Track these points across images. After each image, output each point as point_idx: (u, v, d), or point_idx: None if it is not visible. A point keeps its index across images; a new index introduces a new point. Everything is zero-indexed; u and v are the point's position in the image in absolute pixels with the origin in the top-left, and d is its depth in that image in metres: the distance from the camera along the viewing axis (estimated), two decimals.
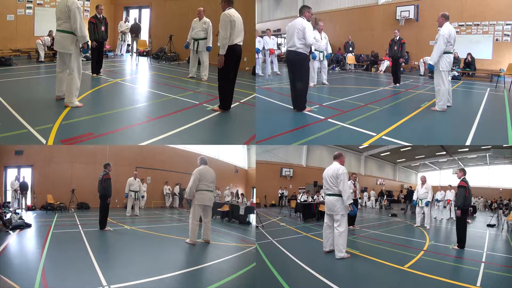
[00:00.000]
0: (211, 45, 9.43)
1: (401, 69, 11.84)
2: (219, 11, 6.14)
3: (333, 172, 4.84)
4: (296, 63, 6.30)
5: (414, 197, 9.20)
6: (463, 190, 5.84)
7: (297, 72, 6.39)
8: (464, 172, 6.09)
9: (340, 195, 4.79)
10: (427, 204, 8.78)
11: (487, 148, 17.94)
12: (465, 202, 5.87)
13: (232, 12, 5.90)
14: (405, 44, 11.17)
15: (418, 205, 8.99)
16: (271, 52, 12.56)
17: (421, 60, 14.19)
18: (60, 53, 6.04)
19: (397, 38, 11.04)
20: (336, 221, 4.84)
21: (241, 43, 6.08)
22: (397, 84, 10.94)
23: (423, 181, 8.99)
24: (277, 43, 15.15)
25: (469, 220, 11.30)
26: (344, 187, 4.74)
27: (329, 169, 4.93)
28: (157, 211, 12.43)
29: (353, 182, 8.39)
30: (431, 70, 7.30)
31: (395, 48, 11.07)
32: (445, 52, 6.77)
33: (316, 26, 9.97)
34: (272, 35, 13.24)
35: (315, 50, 10.05)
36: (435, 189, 12.99)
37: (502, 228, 9.00)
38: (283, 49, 19.38)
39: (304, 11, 6.28)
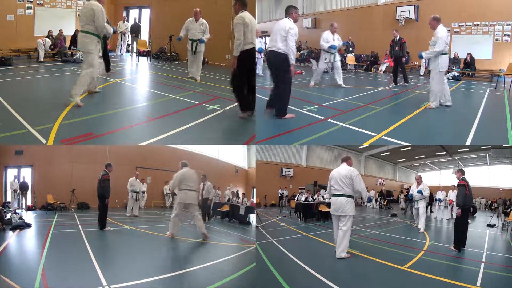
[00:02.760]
0: (205, 39, 9.29)
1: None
2: (219, 11, 6.12)
3: (347, 173, 4.86)
4: (275, 63, 5.91)
5: (411, 192, 8.68)
6: (463, 189, 5.75)
7: (277, 73, 6.00)
8: (462, 172, 5.98)
9: (350, 196, 4.86)
10: (410, 196, 8.40)
11: (487, 148, 17.96)
12: (465, 201, 5.75)
13: (245, 15, 5.76)
14: (406, 44, 11.17)
15: (414, 207, 8.60)
16: None
17: (423, 60, 14.17)
18: (83, 52, 6.53)
19: (397, 38, 11.07)
20: (342, 221, 4.87)
21: (254, 46, 5.94)
22: (406, 84, 11.00)
23: (418, 181, 8.40)
24: None
25: (469, 220, 11.31)
26: (362, 187, 4.86)
27: (341, 170, 4.94)
28: (157, 211, 12.43)
29: None
30: (420, 58, 7.57)
31: (396, 48, 11.09)
32: (442, 53, 6.91)
33: (330, 28, 9.81)
34: None
35: (326, 51, 9.84)
36: (436, 189, 13.01)
37: (503, 228, 9.00)
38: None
39: (290, 11, 5.85)
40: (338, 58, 10.10)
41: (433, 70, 7.11)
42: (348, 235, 4.83)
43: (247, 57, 5.79)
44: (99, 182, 7.09)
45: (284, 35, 5.67)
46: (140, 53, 14.35)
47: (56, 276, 3.74)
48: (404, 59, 11.24)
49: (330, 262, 4.77)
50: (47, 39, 12.64)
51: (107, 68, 9.87)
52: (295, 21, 5.84)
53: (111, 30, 6.63)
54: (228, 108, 6.79)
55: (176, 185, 6.15)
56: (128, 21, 15.04)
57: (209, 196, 9.17)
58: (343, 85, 10.04)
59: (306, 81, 11.54)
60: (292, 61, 5.76)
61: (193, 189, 6.19)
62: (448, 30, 14.64)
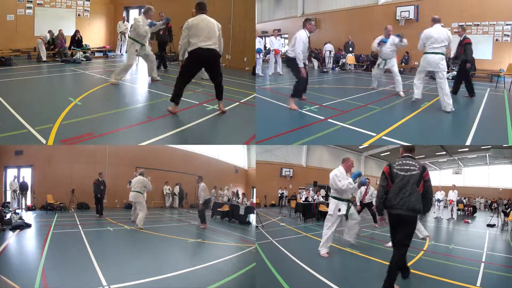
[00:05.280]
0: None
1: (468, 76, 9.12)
2: (217, 12, 6.38)
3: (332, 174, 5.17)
4: (287, 64, 7.12)
5: None
6: (382, 180, 3.61)
7: (291, 71, 7.05)
8: (406, 149, 3.75)
9: (332, 196, 5.22)
10: None
11: (487, 148, 17.95)
12: (381, 203, 3.58)
13: (195, 18, 5.80)
14: (470, 46, 8.70)
15: None
16: (276, 52, 12.58)
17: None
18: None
19: (462, 37, 8.80)
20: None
21: (208, 47, 5.73)
22: (471, 97, 8.92)
23: None
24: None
25: (469, 220, 11.33)
26: (339, 185, 5.06)
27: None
28: (157, 211, 12.42)
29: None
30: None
31: (459, 50, 8.86)
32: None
33: (384, 31, 9.05)
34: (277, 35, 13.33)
35: (379, 57, 9.42)
36: (435, 189, 13.00)
37: (503, 228, 9.00)
38: (283, 49, 19.42)
39: (305, 23, 6.72)
40: (393, 63, 9.12)
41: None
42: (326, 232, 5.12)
43: (197, 56, 5.75)
44: None
45: (293, 42, 6.63)
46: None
47: (56, 276, 3.74)
48: (469, 65, 8.73)
49: (330, 262, 4.77)
50: (46, 34, 12.66)
51: (164, 65, 11.37)
52: (310, 31, 6.70)
53: (144, 28, 8.32)
54: (228, 108, 6.79)
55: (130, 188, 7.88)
56: (128, 21, 15.02)
57: (200, 199, 9.19)
58: (402, 93, 8.95)
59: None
60: (300, 64, 6.61)
61: (136, 190, 7.62)
62: (449, 30, 14.81)
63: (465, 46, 8.65)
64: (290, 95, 7.06)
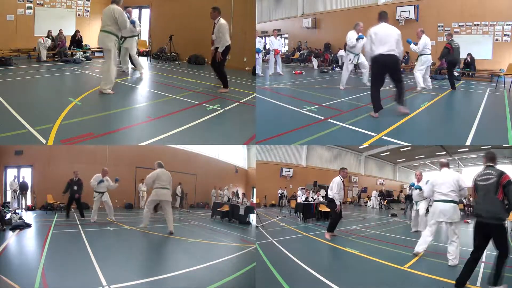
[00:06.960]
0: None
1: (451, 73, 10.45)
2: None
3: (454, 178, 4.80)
4: (394, 65, 6.26)
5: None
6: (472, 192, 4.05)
7: (394, 74, 6.41)
8: (488, 157, 3.97)
9: (456, 202, 4.92)
10: (415, 186, 7.57)
11: (487, 148, 17.95)
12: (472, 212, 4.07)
13: (225, 21, 7.55)
14: (446, 48, 10.01)
15: (414, 208, 7.81)
16: (276, 52, 12.57)
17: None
18: (103, 49, 7.25)
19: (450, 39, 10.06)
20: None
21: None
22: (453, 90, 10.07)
23: (419, 178, 7.60)
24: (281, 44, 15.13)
25: (469, 220, 11.33)
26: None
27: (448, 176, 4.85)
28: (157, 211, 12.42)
29: (342, 180, 6.89)
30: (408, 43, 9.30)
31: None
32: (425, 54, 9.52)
33: (355, 27, 9.55)
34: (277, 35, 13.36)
35: (350, 52, 9.80)
36: None
37: None
38: (283, 50, 19.39)
39: (387, 16, 6.28)
40: (363, 58, 9.87)
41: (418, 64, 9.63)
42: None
43: (227, 51, 7.75)
44: None
45: (397, 39, 6.09)
46: (140, 53, 14.34)
47: (56, 276, 3.74)
48: (441, 62, 10.33)
49: (330, 262, 4.77)
50: (47, 39, 12.66)
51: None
52: None
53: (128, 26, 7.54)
54: (228, 108, 6.79)
55: (150, 183, 6.70)
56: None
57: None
58: (368, 83, 9.44)
59: (306, 81, 11.55)
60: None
61: (166, 187, 6.71)
62: (448, 30, 14.83)
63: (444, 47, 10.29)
64: (402, 103, 6.59)
